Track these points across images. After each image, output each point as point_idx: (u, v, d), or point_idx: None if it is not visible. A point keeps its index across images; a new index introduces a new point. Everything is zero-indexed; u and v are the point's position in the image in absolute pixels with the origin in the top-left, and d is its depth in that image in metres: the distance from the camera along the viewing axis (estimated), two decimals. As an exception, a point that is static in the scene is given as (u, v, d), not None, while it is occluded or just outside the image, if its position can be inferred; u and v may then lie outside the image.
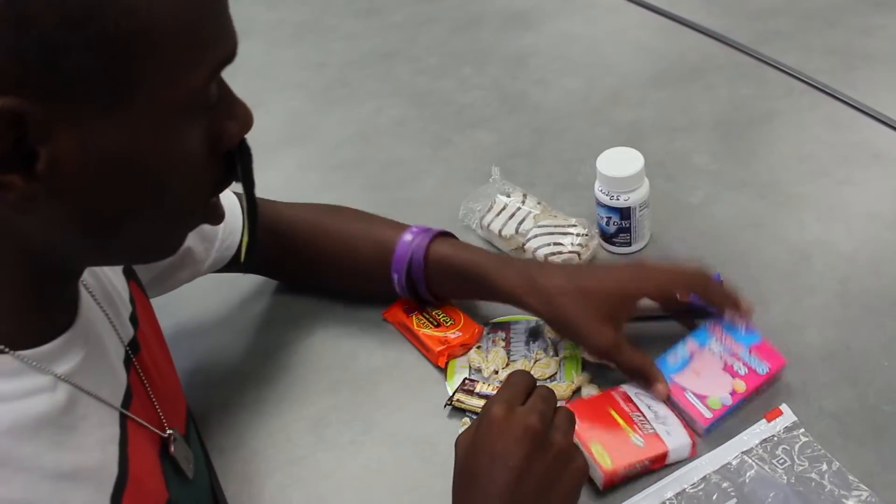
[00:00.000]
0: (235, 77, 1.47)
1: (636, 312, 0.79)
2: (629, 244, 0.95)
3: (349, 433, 0.82)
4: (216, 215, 0.61)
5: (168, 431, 0.68)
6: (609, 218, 0.92)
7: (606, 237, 0.95)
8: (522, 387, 0.67)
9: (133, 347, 0.68)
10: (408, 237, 0.86)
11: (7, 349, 0.52)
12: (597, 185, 0.92)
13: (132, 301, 0.73)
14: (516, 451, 0.62)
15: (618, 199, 0.91)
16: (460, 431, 0.79)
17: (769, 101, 1.14)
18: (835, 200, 0.98)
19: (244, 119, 0.57)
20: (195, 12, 0.48)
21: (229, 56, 0.52)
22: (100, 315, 0.64)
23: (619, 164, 0.90)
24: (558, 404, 0.68)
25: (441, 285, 0.87)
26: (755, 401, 0.79)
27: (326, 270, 0.93)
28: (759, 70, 1.20)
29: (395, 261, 0.86)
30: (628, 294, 0.78)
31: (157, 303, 0.97)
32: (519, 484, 0.61)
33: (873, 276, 0.89)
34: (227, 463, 0.82)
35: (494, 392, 0.81)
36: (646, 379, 0.78)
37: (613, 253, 0.96)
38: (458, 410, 0.82)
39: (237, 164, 0.59)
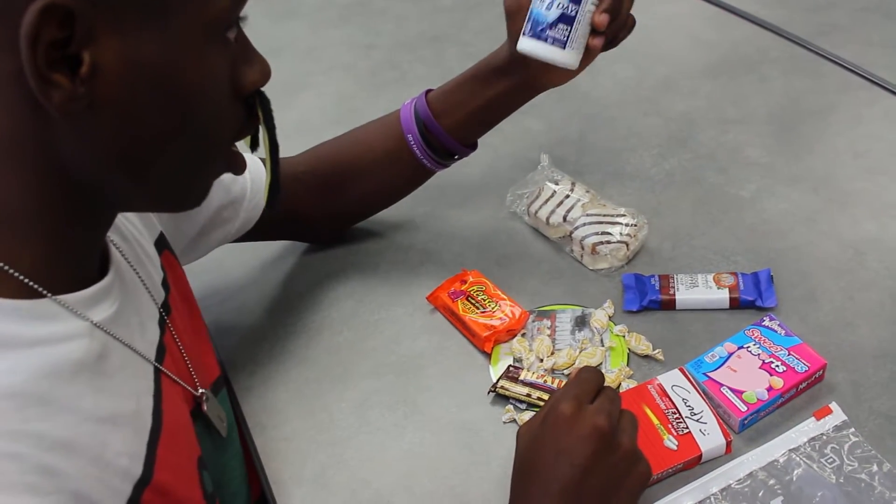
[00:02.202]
0: (281, 56, 1.47)
1: None
2: (564, 44, 0.76)
3: (392, 416, 0.82)
4: (238, 163, 0.62)
5: (200, 390, 0.69)
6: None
7: (537, 29, 0.76)
8: (592, 385, 0.66)
9: (165, 309, 0.69)
10: (406, 103, 0.92)
11: (47, 293, 0.53)
12: None
13: (163, 268, 0.74)
14: (583, 450, 0.61)
15: None
16: (503, 418, 0.79)
17: (825, 95, 1.12)
18: (891, 198, 0.96)
19: (262, 68, 0.59)
20: None
21: None
22: (132, 275, 0.66)
23: None
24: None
25: (453, 117, 0.89)
26: (798, 400, 0.78)
27: (352, 178, 0.95)
28: (816, 63, 1.18)
29: (403, 124, 0.91)
30: None
31: (203, 283, 0.99)
32: (582, 482, 0.61)
33: (929, 276, 0.87)
34: (269, 441, 0.82)
35: (539, 380, 0.81)
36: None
37: (538, 56, 0.77)
38: (501, 397, 0.82)
39: (258, 108, 0.60)
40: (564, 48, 0.76)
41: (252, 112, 0.61)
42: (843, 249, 0.91)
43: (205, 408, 0.69)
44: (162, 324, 0.67)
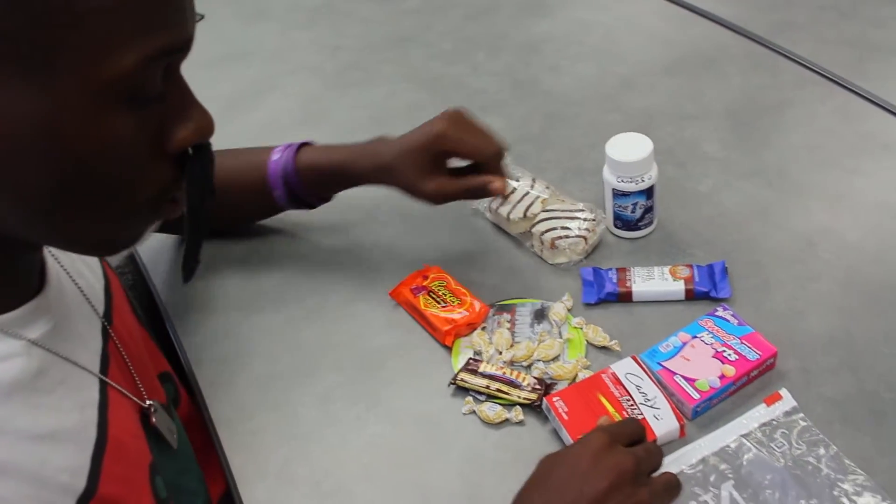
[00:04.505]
0: (251, 59, 1.48)
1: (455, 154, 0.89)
2: (651, 223, 0.96)
3: (354, 409, 0.84)
4: (168, 212, 0.57)
5: (148, 402, 0.69)
6: (635, 203, 0.93)
7: (631, 225, 0.96)
8: (631, 431, 0.68)
9: (108, 318, 0.69)
10: (276, 156, 0.95)
11: None
12: (613, 178, 0.92)
13: (105, 275, 0.74)
14: (598, 482, 0.62)
15: (642, 181, 0.92)
16: (463, 410, 0.81)
17: (781, 91, 1.14)
18: (843, 190, 0.99)
19: (199, 125, 0.54)
20: None
21: (172, 47, 0.50)
22: (71, 287, 0.66)
23: (631, 148, 0.91)
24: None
25: (317, 187, 0.96)
26: (750, 387, 0.80)
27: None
28: (772, 60, 1.20)
29: (271, 179, 0.95)
30: (434, 150, 0.87)
31: (167, 281, 1.00)
32: None
33: (878, 265, 0.89)
34: (234, 435, 0.83)
35: (498, 372, 0.82)
36: (483, 186, 0.87)
37: (633, 238, 0.97)
38: (461, 390, 0.83)
39: (185, 171, 0.56)
40: (652, 223, 0.97)
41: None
42: (795, 240, 0.93)
43: (153, 420, 0.68)
44: (105, 334, 0.67)
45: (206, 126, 0.55)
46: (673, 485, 0.66)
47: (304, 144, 0.96)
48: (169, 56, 0.50)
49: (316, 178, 0.95)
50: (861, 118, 1.08)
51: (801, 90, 1.14)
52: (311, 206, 0.98)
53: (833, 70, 1.15)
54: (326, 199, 0.98)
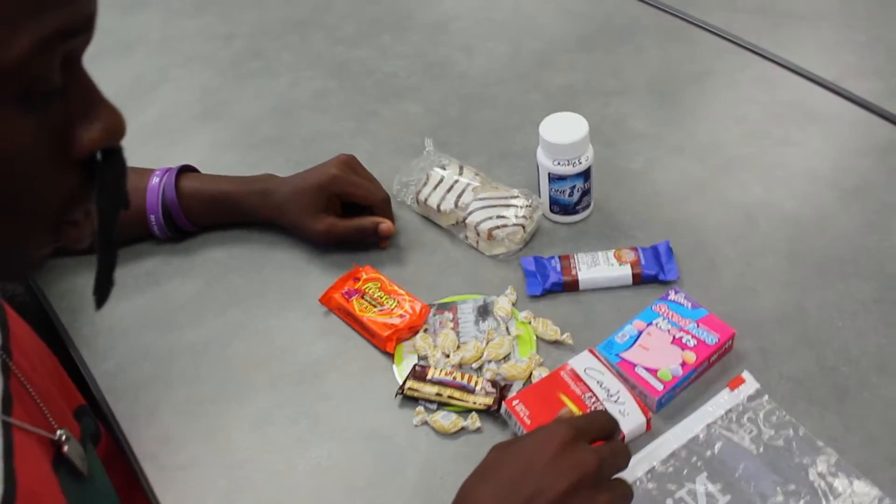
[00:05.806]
0: (134, 52, 1.36)
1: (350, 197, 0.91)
2: (588, 206, 0.92)
3: (295, 430, 0.77)
4: (73, 238, 0.50)
5: (59, 432, 0.61)
6: (573, 186, 0.89)
7: (569, 209, 0.91)
8: (601, 427, 0.62)
9: (6, 351, 0.62)
10: (154, 180, 0.92)
11: None
12: (549, 162, 0.88)
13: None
14: (558, 481, 0.56)
15: (580, 163, 0.87)
16: (415, 421, 0.75)
17: (700, 62, 1.12)
18: (774, 160, 0.97)
19: (108, 125, 0.47)
20: None
21: (70, 27, 0.42)
22: None
23: (566, 129, 0.87)
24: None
25: (198, 216, 0.95)
26: (711, 371, 0.77)
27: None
28: (687, 31, 1.18)
29: (148, 205, 0.92)
30: (328, 191, 0.89)
31: (67, 302, 0.90)
32: None
33: (819, 236, 0.88)
34: (163, 472, 0.75)
35: (447, 377, 0.77)
36: (373, 227, 0.89)
37: (571, 223, 0.93)
38: (410, 399, 0.77)
39: (95, 179, 0.48)
40: (589, 206, 0.93)
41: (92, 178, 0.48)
42: (734, 215, 0.91)
43: (65, 449, 0.60)
44: (5, 369, 0.59)
45: (115, 127, 0.48)
46: (629, 494, 0.61)
47: (183, 169, 0.94)
48: (67, 39, 0.42)
49: (199, 207, 0.94)
50: (781, 86, 1.07)
51: (719, 60, 1.12)
52: (180, 238, 0.96)
53: (748, 39, 1.14)
54: (200, 229, 0.97)
